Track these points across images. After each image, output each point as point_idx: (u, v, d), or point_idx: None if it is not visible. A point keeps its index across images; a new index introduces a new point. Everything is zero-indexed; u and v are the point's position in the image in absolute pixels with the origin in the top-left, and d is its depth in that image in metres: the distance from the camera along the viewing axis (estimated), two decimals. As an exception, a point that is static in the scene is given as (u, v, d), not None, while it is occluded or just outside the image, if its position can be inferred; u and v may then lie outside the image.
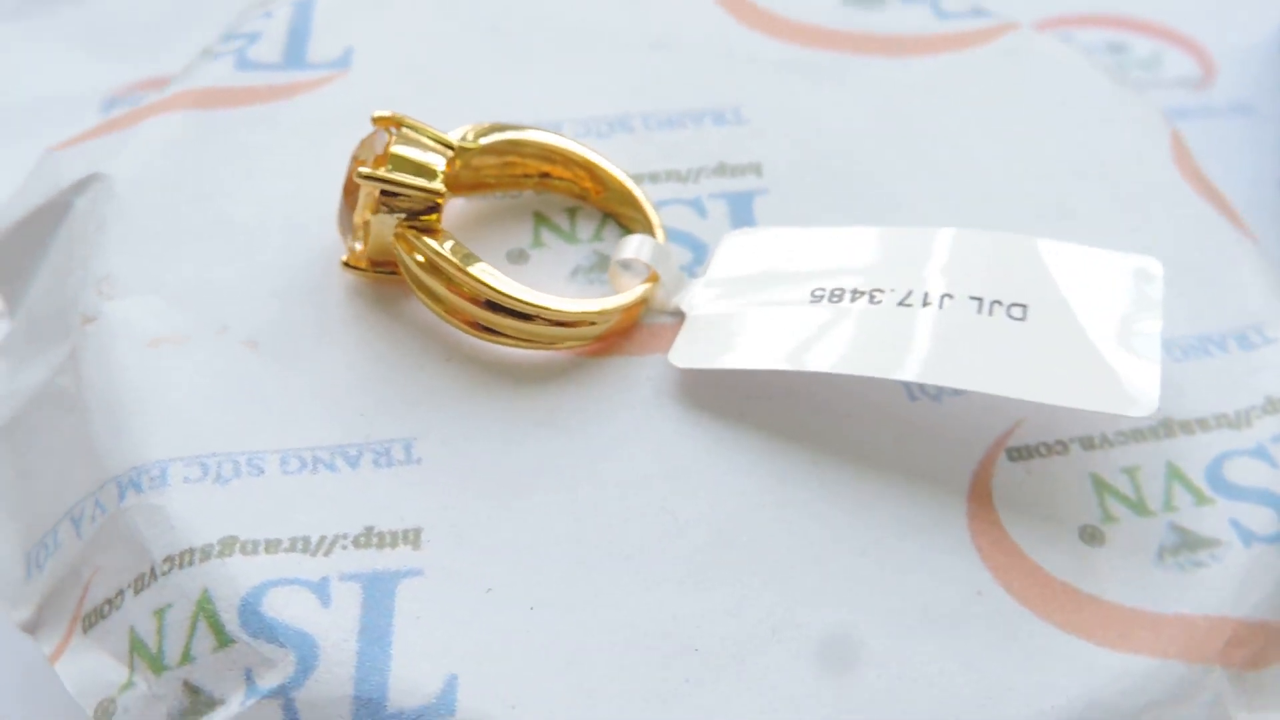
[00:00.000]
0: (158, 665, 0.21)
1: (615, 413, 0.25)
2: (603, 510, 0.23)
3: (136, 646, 0.22)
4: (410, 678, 0.21)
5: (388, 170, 0.25)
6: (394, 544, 0.22)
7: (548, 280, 0.27)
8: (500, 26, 0.31)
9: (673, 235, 0.28)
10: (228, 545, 0.22)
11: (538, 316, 0.25)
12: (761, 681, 0.21)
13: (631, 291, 0.26)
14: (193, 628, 0.21)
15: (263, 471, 0.23)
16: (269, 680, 0.21)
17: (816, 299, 0.25)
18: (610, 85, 0.30)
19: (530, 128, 0.27)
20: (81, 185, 0.28)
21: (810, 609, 0.22)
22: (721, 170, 0.29)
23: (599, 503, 0.23)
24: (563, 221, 0.28)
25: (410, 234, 0.25)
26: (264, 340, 0.25)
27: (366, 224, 0.25)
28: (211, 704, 0.21)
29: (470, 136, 0.27)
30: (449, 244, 0.25)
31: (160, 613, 0.22)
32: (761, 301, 0.26)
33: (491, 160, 0.27)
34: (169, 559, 0.22)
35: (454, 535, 0.23)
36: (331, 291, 0.26)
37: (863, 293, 0.25)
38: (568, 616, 0.22)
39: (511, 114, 0.29)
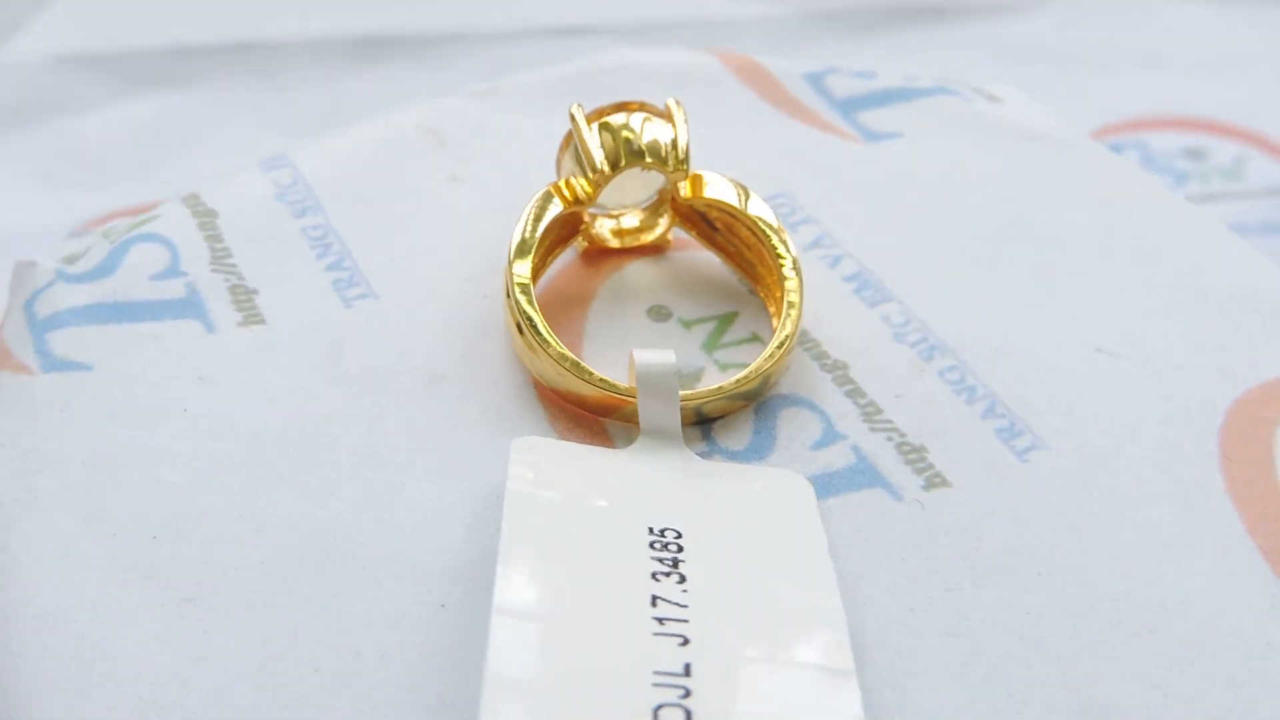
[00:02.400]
0: (101, 235, 0.26)
1: (464, 435, 0.22)
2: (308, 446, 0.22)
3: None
4: (64, 353, 0.23)
5: (598, 128, 0.24)
6: (246, 309, 0.24)
7: (638, 344, 0.24)
8: (1034, 246, 0.26)
9: (789, 433, 0.22)
10: (204, 216, 0.25)
11: (520, 319, 0.22)
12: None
13: (596, 381, 0.22)
14: (125, 229, 0.25)
15: (303, 216, 0.26)
16: (73, 268, 0.24)
17: (648, 531, 0.19)
18: (1016, 312, 0.24)
19: (798, 261, 0.24)
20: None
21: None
22: (933, 479, 0.22)
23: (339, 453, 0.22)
24: (736, 334, 0.24)
25: (557, 188, 0.24)
26: (464, 180, 0.27)
27: (560, 160, 0.25)
28: (71, 261, 0.25)
29: (740, 197, 0.24)
30: (552, 213, 0.24)
31: (140, 210, 0.26)
32: (628, 496, 0.20)
33: (750, 238, 0.24)
34: (186, 198, 0.26)
35: (269, 339, 0.23)
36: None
37: (667, 567, 0.19)
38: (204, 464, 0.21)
39: (915, 293, 0.25)
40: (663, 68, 0.30)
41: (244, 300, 0.24)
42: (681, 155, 0.24)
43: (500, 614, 0.18)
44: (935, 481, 0.22)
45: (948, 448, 0.22)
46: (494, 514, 0.20)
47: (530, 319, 0.22)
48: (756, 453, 0.22)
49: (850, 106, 0.29)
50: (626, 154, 0.23)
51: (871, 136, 0.28)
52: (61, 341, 0.23)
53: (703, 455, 0.22)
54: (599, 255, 0.26)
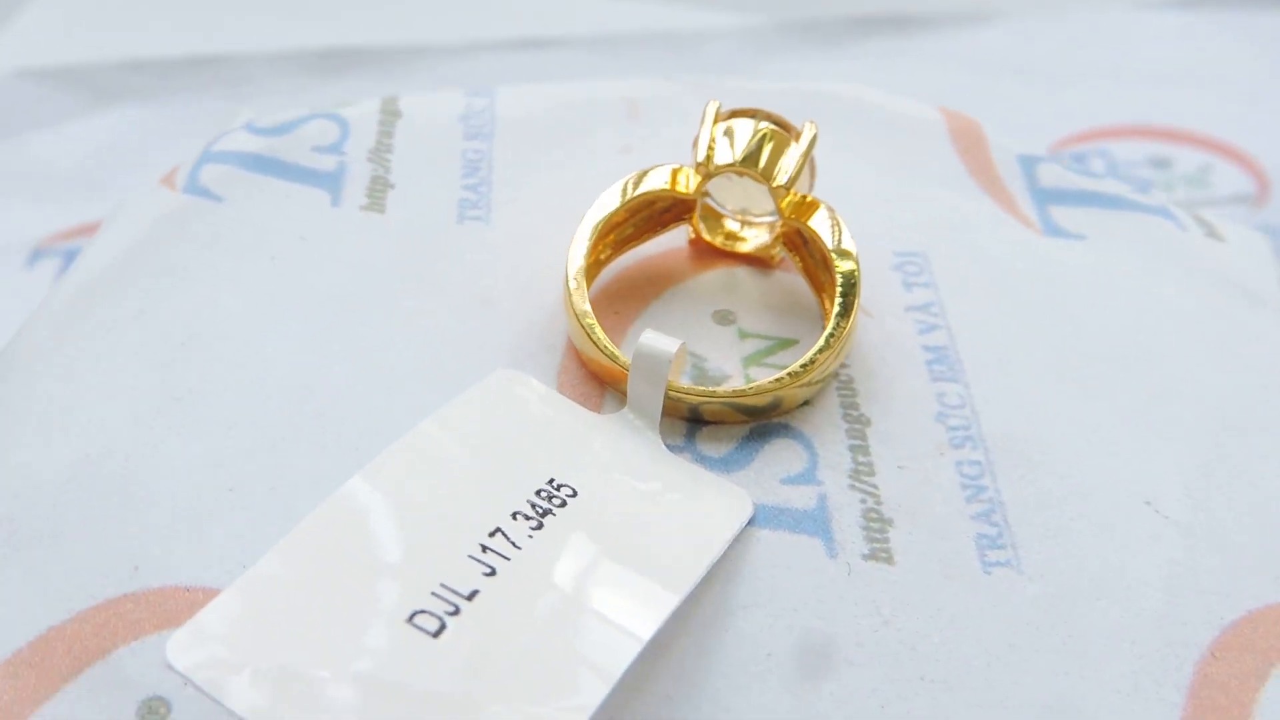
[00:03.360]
0: (307, 108, 0.29)
1: (480, 358, 0.23)
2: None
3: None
4: (207, 183, 0.26)
5: (726, 120, 0.24)
6: (375, 196, 0.26)
7: (687, 338, 0.24)
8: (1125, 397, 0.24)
9: (768, 460, 0.22)
10: (389, 115, 0.28)
11: (567, 272, 0.23)
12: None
13: (602, 346, 0.23)
14: (326, 108, 0.28)
15: (472, 139, 0.28)
16: (262, 123, 0.28)
17: (547, 481, 0.20)
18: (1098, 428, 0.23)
19: (856, 302, 0.23)
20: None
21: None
22: (877, 552, 0.21)
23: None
24: (784, 359, 0.24)
25: (673, 172, 0.25)
26: (634, 153, 0.28)
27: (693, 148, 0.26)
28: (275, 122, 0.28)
29: (834, 232, 0.24)
30: (648, 186, 0.24)
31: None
32: (559, 449, 0.21)
33: (835, 278, 0.24)
34: (385, 98, 0.29)
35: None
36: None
37: (534, 513, 0.19)
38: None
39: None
40: (882, 109, 0.29)
41: (378, 191, 0.26)
42: (788, 175, 0.24)
43: (360, 478, 0.19)
44: (879, 555, 0.21)
45: (914, 530, 0.21)
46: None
47: (575, 273, 0.23)
48: (726, 466, 0.22)
49: (1048, 197, 0.28)
50: (734, 157, 0.24)
51: (1053, 231, 0.27)
52: (210, 174, 0.26)
53: (674, 449, 0.22)
54: (708, 250, 0.26)
